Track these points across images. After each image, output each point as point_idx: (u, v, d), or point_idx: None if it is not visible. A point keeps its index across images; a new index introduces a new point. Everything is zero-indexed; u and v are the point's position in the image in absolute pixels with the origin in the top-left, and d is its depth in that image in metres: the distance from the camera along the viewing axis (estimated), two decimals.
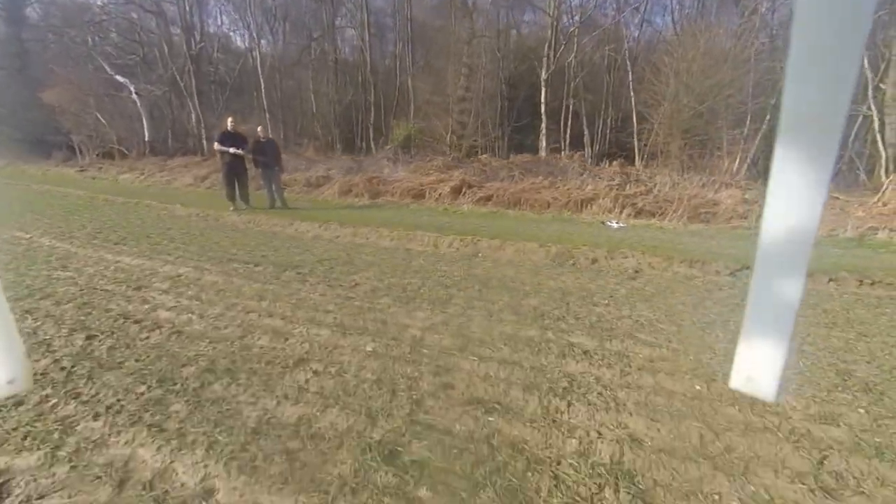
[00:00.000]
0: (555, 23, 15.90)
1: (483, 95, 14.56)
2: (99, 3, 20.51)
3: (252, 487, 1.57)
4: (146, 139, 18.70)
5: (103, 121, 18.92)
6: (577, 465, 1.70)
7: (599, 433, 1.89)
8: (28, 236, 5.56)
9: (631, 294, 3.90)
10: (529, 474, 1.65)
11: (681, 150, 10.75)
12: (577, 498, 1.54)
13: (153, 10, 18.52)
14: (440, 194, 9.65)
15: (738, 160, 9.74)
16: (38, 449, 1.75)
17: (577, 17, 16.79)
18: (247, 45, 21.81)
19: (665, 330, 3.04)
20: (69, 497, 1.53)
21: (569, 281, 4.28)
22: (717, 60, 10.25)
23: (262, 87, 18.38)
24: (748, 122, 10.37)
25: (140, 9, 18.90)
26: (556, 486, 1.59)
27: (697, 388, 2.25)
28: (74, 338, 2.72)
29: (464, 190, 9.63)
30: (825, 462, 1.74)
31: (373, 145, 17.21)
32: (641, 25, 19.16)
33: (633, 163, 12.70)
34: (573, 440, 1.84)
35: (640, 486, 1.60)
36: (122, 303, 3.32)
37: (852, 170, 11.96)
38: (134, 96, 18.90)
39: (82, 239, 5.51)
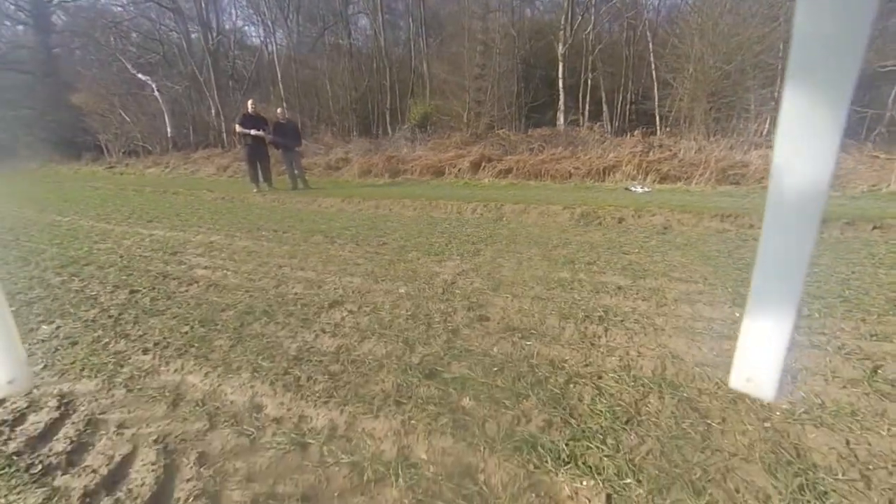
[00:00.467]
0: None
1: (499, 72, 14.30)
2: (120, 4, 20.97)
3: (298, 403, 1.62)
4: (168, 135, 19.11)
5: (128, 119, 19.43)
6: (618, 377, 1.68)
7: (639, 352, 1.87)
8: (67, 219, 5.79)
9: (661, 245, 3.82)
10: (571, 386, 1.64)
11: (706, 113, 10.35)
12: (622, 403, 1.53)
13: (170, 6, 18.79)
14: (459, 169, 9.59)
15: (768, 121, 9.33)
16: (96, 377, 1.84)
17: None
18: (262, 38, 22.02)
19: (700, 270, 2.97)
20: (129, 413, 1.61)
21: (596, 236, 4.22)
22: (744, 17, 9.78)
23: (280, 77, 18.52)
24: (779, 82, 9.88)
25: (157, 5, 19.20)
26: (598, 394, 1.59)
27: (738, 314, 2.20)
28: (118, 293, 2.84)
29: (483, 164, 9.54)
30: (879, 371, 1.68)
31: (389, 129, 17.16)
32: None
33: (654, 133, 12.30)
34: (613, 358, 1.83)
35: (685, 394, 1.58)
36: (160, 265, 3.43)
37: (893, 130, 11.32)
38: (156, 93, 19.27)
39: (118, 219, 5.71)
